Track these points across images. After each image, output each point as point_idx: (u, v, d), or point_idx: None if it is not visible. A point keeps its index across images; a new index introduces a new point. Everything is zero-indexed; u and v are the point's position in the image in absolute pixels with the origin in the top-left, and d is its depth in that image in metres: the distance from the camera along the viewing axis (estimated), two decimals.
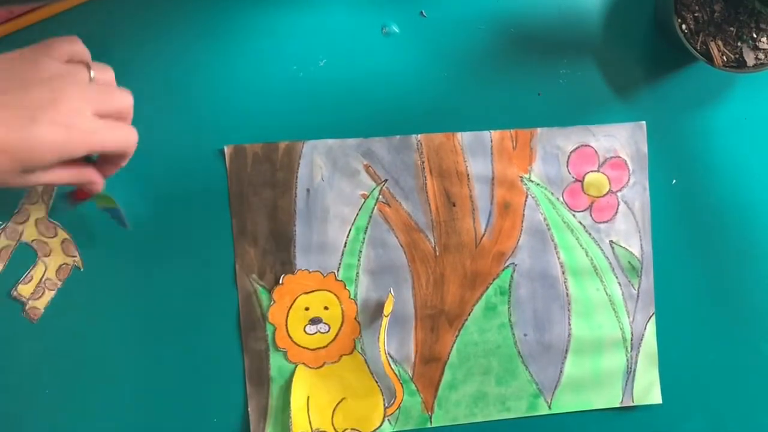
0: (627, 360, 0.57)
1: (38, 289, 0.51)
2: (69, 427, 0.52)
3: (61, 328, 0.52)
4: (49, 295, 0.51)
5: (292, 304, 0.53)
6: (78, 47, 0.43)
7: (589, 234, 0.56)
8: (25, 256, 0.51)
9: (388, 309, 0.53)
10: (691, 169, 0.57)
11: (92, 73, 0.42)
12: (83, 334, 0.52)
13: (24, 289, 0.51)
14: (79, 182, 0.44)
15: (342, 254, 0.54)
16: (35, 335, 0.51)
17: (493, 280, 0.55)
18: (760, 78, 0.56)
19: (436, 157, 0.54)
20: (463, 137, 0.54)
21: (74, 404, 0.52)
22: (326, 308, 0.54)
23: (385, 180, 0.54)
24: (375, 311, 0.54)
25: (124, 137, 0.43)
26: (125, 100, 0.43)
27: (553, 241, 0.55)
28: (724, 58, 0.52)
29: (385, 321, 0.53)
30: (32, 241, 0.51)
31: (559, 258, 0.56)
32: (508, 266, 0.55)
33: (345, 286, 0.54)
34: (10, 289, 0.51)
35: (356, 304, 0.54)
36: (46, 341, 0.52)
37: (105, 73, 0.44)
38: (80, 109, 0.40)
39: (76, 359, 0.52)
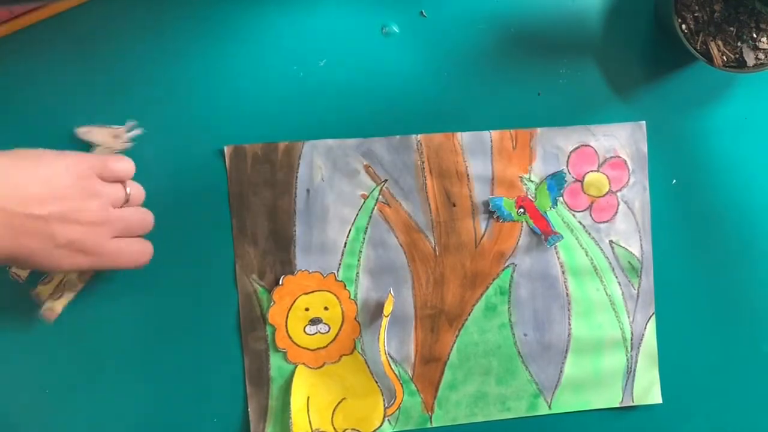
0: (627, 360, 0.57)
1: (57, 290, 0.50)
2: (69, 427, 0.52)
3: (61, 327, 0.52)
4: (68, 297, 0.50)
5: (292, 305, 0.53)
6: (129, 166, 0.48)
7: (589, 234, 0.56)
8: None
9: (388, 309, 0.53)
10: (691, 169, 0.57)
11: (128, 190, 0.48)
12: (83, 333, 0.52)
13: (43, 290, 0.50)
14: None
15: (342, 254, 0.54)
16: (35, 334, 0.51)
17: (493, 280, 0.55)
18: (760, 78, 0.56)
19: (436, 157, 0.54)
20: (463, 137, 0.54)
21: (74, 404, 0.52)
22: (326, 308, 0.54)
23: (385, 180, 0.54)
24: (375, 311, 0.54)
25: (136, 258, 0.48)
26: (146, 222, 0.49)
27: None
28: (724, 58, 0.52)
29: (385, 321, 0.53)
30: None
31: (559, 258, 0.56)
32: (508, 266, 0.55)
33: (345, 286, 0.54)
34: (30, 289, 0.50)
35: (356, 304, 0.54)
36: (45, 341, 0.52)
37: (138, 190, 0.49)
38: (102, 234, 0.45)
39: (76, 359, 0.52)
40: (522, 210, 0.54)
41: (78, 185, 0.44)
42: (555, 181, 0.54)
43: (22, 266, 0.46)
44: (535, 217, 0.54)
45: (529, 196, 0.55)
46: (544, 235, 0.54)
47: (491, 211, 0.54)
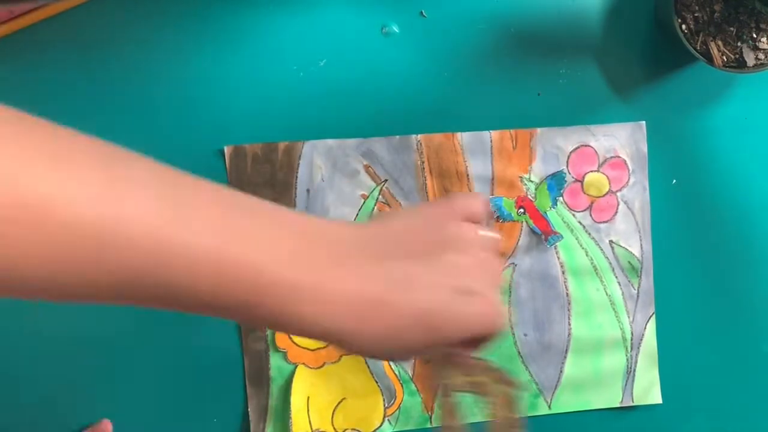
0: (627, 360, 0.57)
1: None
2: (69, 427, 0.52)
3: (62, 327, 0.52)
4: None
5: None
6: (483, 206, 0.35)
7: (589, 234, 0.56)
8: None
9: None
10: (691, 169, 0.57)
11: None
12: (83, 333, 0.52)
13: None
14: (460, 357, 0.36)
15: None
16: (35, 334, 0.51)
17: None
18: (760, 78, 0.56)
19: (436, 157, 0.54)
20: (463, 137, 0.54)
21: (74, 404, 0.52)
22: None
23: (385, 180, 0.54)
24: None
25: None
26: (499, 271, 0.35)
27: None
28: (724, 58, 0.52)
29: None
30: None
31: (558, 258, 0.56)
32: (507, 266, 0.55)
33: None
34: None
35: None
36: (46, 340, 0.52)
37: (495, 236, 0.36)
38: (486, 280, 0.33)
39: (76, 359, 0.52)
40: (522, 210, 0.54)
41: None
42: (555, 181, 0.54)
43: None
44: (535, 217, 0.54)
45: (529, 196, 0.55)
46: (544, 235, 0.54)
47: (491, 212, 0.54)
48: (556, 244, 0.55)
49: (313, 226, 0.30)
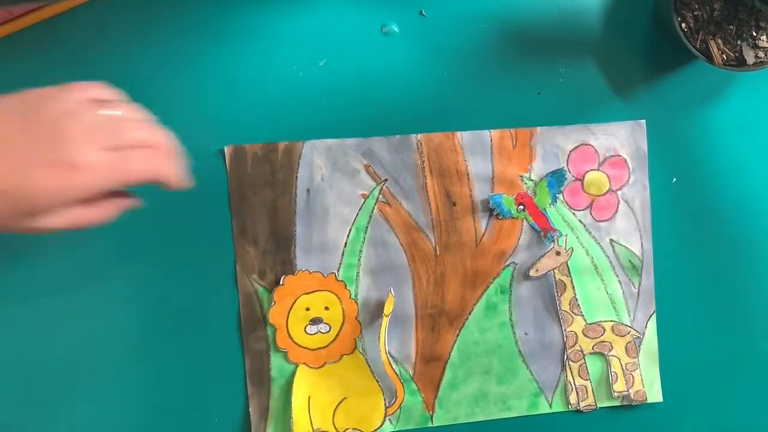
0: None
1: None
2: (69, 427, 0.52)
3: (62, 327, 0.52)
4: None
5: (292, 305, 0.53)
6: (95, 90, 0.41)
7: (590, 233, 0.56)
8: None
9: (388, 309, 0.53)
10: (691, 167, 0.57)
11: (106, 112, 0.40)
12: (83, 333, 0.52)
13: None
14: (94, 223, 0.41)
15: (342, 254, 0.54)
16: (35, 334, 0.51)
17: (494, 279, 0.55)
18: (759, 76, 0.56)
19: (436, 156, 0.54)
20: (463, 136, 0.54)
21: (75, 404, 0.52)
22: (327, 308, 0.54)
23: (385, 180, 0.54)
24: (375, 311, 0.54)
25: (142, 168, 0.40)
26: (138, 132, 0.40)
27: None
28: (724, 56, 0.52)
29: (385, 321, 0.53)
30: None
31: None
32: (508, 265, 0.55)
33: (345, 286, 0.54)
34: None
35: (357, 303, 0.54)
36: (46, 340, 0.52)
37: (128, 112, 0.42)
38: (83, 147, 0.37)
39: (76, 359, 0.52)
40: (522, 207, 0.54)
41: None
42: (555, 179, 0.54)
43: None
44: (534, 214, 0.54)
45: (529, 194, 0.55)
46: (543, 232, 0.54)
47: (491, 209, 0.54)
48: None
49: None
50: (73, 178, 0.37)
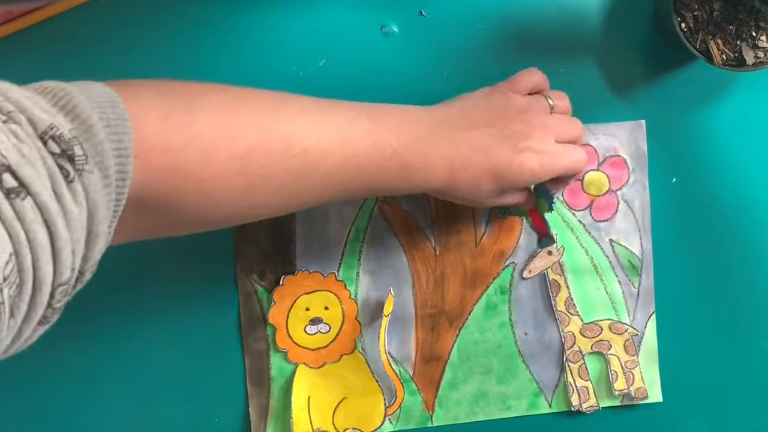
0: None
1: None
2: (69, 426, 0.52)
3: (62, 327, 0.52)
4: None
5: (292, 305, 0.53)
6: (537, 78, 0.49)
7: (589, 233, 0.56)
8: None
9: (388, 309, 0.53)
10: (691, 167, 0.57)
11: (551, 101, 0.48)
12: (84, 333, 0.52)
13: None
14: (527, 204, 0.50)
15: (342, 254, 0.54)
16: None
17: (494, 279, 0.55)
18: (759, 76, 0.56)
19: None
20: None
21: (74, 404, 0.52)
22: (327, 308, 0.54)
23: None
24: (375, 311, 0.54)
25: (579, 160, 0.47)
26: (578, 128, 0.48)
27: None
28: (724, 56, 0.52)
29: (385, 321, 0.53)
30: None
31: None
32: (508, 265, 0.55)
33: (345, 286, 0.54)
34: None
35: (356, 303, 0.54)
36: (46, 340, 0.52)
37: (562, 100, 0.49)
38: (546, 138, 0.45)
39: (76, 359, 0.52)
40: (523, 208, 0.54)
41: (497, 111, 0.46)
42: (543, 192, 0.53)
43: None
44: (534, 218, 0.54)
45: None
46: (539, 236, 0.54)
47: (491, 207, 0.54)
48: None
49: (416, 115, 0.44)
50: (542, 164, 0.45)
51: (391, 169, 0.41)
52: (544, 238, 0.54)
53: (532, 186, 0.50)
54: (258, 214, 0.40)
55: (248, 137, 0.36)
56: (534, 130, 0.45)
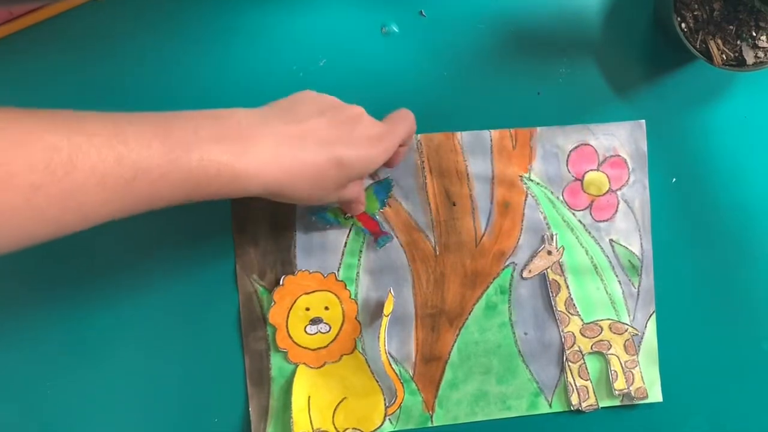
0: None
1: None
2: (69, 426, 0.52)
3: (63, 328, 0.52)
4: None
5: (292, 305, 0.53)
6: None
7: (589, 233, 0.56)
8: None
9: (388, 309, 0.53)
10: (690, 167, 0.57)
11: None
12: (84, 334, 0.52)
13: None
14: (360, 198, 0.49)
15: (342, 254, 0.54)
16: (36, 334, 0.51)
17: (494, 279, 0.55)
18: (759, 76, 0.56)
19: (436, 156, 0.54)
20: (463, 137, 0.54)
21: (75, 404, 0.52)
22: (327, 308, 0.54)
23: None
24: (375, 311, 0.54)
25: (410, 119, 0.49)
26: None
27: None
28: (724, 56, 0.52)
29: (385, 321, 0.53)
30: None
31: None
32: (508, 265, 0.55)
33: (345, 286, 0.54)
34: None
35: (357, 303, 0.54)
36: (47, 340, 0.52)
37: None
38: (376, 122, 0.46)
39: (76, 359, 0.52)
40: (348, 215, 0.53)
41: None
42: (382, 187, 0.53)
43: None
44: (363, 219, 0.54)
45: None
46: (373, 236, 0.54)
47: (319, 226, 0.53)
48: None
49: (236, 119, 0.40)
50: (379, 149, 0.44)
51: (176, 182, 0.37)
52: (381, 237, 0.54)
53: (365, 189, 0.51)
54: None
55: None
56: (364, 115, 0.45)
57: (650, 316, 0.57)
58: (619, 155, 0.56)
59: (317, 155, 0.41)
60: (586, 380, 0.56)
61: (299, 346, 0.53)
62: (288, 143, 0.41)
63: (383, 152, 0.45)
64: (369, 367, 0.54)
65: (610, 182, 0.56)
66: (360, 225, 0.53)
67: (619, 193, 0.56)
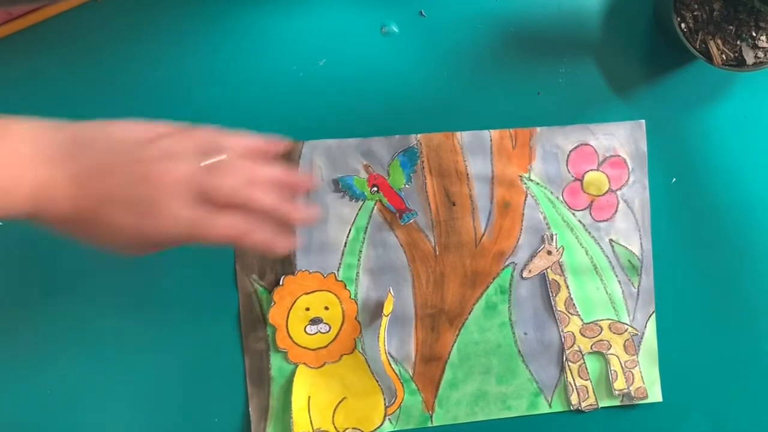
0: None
1: None
2: (69, 426, 0.52)
3: (63, 328, 0.52)
4: None
5: (292, 305, 0.53)
6: (209, 137, 0.41)
7: (589, 233, 0.56)
8: None
9: (387, 309, 0.53)
10: (690, 167, 0.57)
11: (209, 161, 0.39)
12: (84, 334, 0.52)
13: None
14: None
15: (342, 254, 0.54)
16: (37, 334, 0.51)
17: (494, 279, 0.55)
18: (759, 76, 0.56)
19: (436, 156, 0.54)
20: (463, 137, 0.54)
21: (75, 404, 0.52)
22: (327, 308, 0.54)
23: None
24: (375, 311, 0.54)
25: (226, 233, 0.39)
26: (235, 190, 0.39)
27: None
28: (724, 56, 0.52)
29: (385, 321, 0.53)
30: None
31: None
32: (508, 265, 0.55)
33: (345, 286, 0.54)
34: None
35: (356, 303, 0.54)
36: (46, 339, 0.52)
37: (236, 154, 0.41)
38: (169, 198, 0.38)
39: (76, 359, 0.52)
40: (375, 188, 0.54)
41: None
42: (407, 157, 0.53)
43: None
44: (388, 194, 0.53)
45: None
46: (398, 213, 0.54)
47: (342, 190, 0.53)
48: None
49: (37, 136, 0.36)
50: (149, 225, 0.37)
51: None
52: (406, 213, 0.53)
53: (388, 163, 0.50)
54: None
55: None
56: (160, 185, 0.37)
57: (650, 316, 0.57)
58: (618, 155, 0.56)
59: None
60: (586, 380, 0.56)
61: (299, 346, 0.53)
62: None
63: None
64: (369, 367, 0.54)
65: (609, 182, 0.56)
66: (386, 201, 0.53)
67: (618, 193, 0.56)
